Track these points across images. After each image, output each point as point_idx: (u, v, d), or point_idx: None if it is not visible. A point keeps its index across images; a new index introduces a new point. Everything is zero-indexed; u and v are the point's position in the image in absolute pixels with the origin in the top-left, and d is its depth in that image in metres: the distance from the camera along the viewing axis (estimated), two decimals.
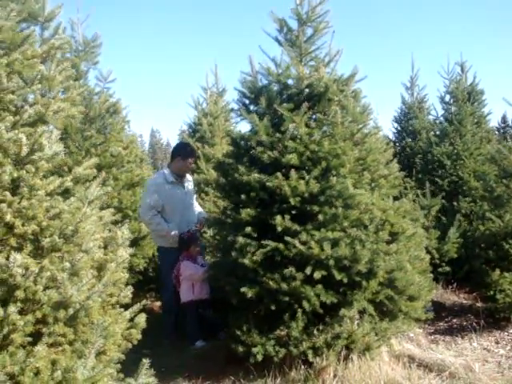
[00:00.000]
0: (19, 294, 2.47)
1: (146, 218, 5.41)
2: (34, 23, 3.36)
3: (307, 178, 4.14)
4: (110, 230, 3.21)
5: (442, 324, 5.84)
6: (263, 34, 4.72)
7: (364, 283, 4.12)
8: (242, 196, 4.25)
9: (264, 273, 4.04)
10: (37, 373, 2.43)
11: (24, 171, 2.69)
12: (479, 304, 5.91)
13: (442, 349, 4.92)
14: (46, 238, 2.67)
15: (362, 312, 4.23)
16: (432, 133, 9.63)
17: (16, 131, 2.70)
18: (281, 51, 4.68)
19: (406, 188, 7.71)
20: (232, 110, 5.15)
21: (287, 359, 4.11)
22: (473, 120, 9.10)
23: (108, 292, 2.93)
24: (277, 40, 4.73)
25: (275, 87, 4.65)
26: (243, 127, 11.16)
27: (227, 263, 4.38)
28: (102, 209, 3.19)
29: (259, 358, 3.96)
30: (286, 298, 4.01)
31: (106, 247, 3.09)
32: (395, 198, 5.05)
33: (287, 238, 3.99)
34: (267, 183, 4.15)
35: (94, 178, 3.20)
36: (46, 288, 2.56)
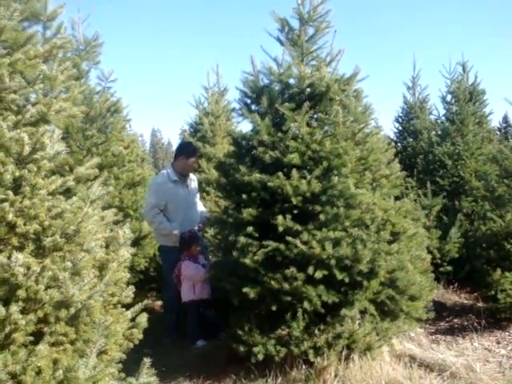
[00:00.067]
0: (21, 293, 2.47)
1: (148, 217, 5.43)
2: (36, 22, 3.36)
3: (309, 177, 4.14)
4: (111, 230, 3.21)
5: (443, 324, 5.84)
6: (265, 34, 4.73)
7: (365, 283, 4.12)
8: (244, 196, 4.25)
9: (265, 273, 4.04)
10: (38, 372, 2.43)
11: (26, 170, 2.69)
12: (480, 304, 5.91)
13: (443, 349, 4.91)
14: (47, 237, 2.67)
15: (363, 312, 4.23)
16: (433, 132, 9.63)
17: (18, 130, 2.71)
18: (282, 51, 4.69)
19: (407, 188, 7.70)
20: (233, 109, 5.15)
21: (288, 359, 4.11)
22: (474, 120, 9.09)
23: (109, 291, 2.93)
24: (278, 40, 4.74)
25: (277, 87, 4.65)
26: (244, 127, 11.17)
27: (228, 263, 4.38)
28: (103, 208, 3.20)
29: (260, 357, 3.97)
30: (288, 298, 4.01)
31: (107, 247, 3.09)
32: (396, 198, 5.05)
33: (289, 238, 3.99)
34: (268, 183, 4.15)
35: (96, 177, 3.21)
36: (47, 287, 2.56)
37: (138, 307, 3.12)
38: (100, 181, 3.12)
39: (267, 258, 4.05)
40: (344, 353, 4.09)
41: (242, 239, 4.10)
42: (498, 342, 5.18)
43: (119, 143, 6.61)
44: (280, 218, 4.05)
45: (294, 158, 4.15)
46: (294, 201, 4.08)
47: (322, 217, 4.10)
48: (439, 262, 6.73)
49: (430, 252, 5.90)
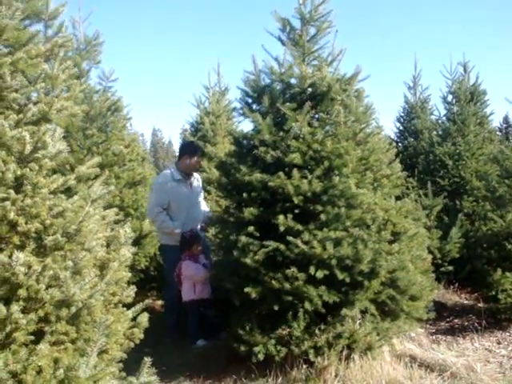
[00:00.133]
0: (22, 292, 2.47)
1: (151, 216, 5.46)
2: (37, 21, 3.35)
3: (310, 177, 4.14)
4: (112, 229, 3.21)
5: (443, 324, 5.84)
6: (266, 34, 4.73)
7: (366, 283, 4.11)
8: (244, 195, 4.25)
9: (266, 272, 4.04)
10: (39, 371, 2.43)
11: (27, 169, 2.69)
12: (481, 304, 5.90)
13: (443, 349, 4.92)
14: (48, 236, 2.67)
15: (363, 312, 4.23)
16: (434, 133, 9.63)
17: (19, 129, 2.70)
18: (284, 50, 4.68)
19: (408, 188, 7.70)
20: (234, 108, 5.15)
21: (289, 358, 4.11)
22: (475, 120, 9.09)
23: (110, 291, 2.93)
24: (280, 39, 4.74)
25: (278, 86, 4.65)
26: (245, 126, 11.17)
27: (229, 262, 4.38)
28: (104, 207, 3.20)
29: (261, 357, 3.97)
30: (289, 298, 4.01)
31: (108, 246, 3.09)
32: (397, 198, 5.05)
33: (289, 238, 3.99)
34: (269, 183, 4.14)
35: (97, 176, 3.21)
36: (48, 286, 2.56)
37: (138, 307, 3.12)
38: (101, 180, 3.12)
39: (268, 257, 4.05)
40: (344, 353, 4.09)
41: (243, 239, 4.10)
42: (499, 343, 5.18)
43: (120, 142, 6.60)
44: (281, 217, 4.05)
45: (296, 157, 4.15)
46: (295, 200, 4.08)
47: (322, 217, 4.10)
48: (440, 262, 6.73)
49: (430, 252, 5.90)
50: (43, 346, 2.46)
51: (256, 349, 3.99)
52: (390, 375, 4.05)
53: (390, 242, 4.35)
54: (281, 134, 4.32)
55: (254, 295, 4.01)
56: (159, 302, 6.54)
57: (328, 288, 4.03)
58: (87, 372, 2.54)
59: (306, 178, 4.15)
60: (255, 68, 4.70)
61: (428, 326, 5.64)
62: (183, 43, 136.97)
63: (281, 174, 4.13)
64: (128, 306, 3.12)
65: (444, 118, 9.65)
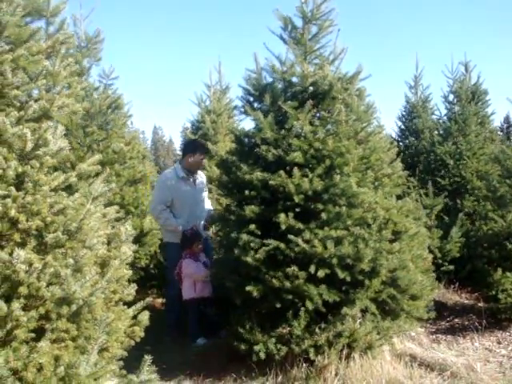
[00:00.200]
0: (22, 290, 2.47)
1: (154, 213, 5.47)
2: (38, 18, 3.35)
3: (311, 176, 4.13)
4: (113, 227, 3.21)
5: (443, 323, 5.83)
6: (267, 32, 4.73)
7: (367, 282, 4.11)
8: (246, 192, 4.24)
9: (267, 271, 4.03)
10: (40, 368, 2.44)
11: (29, 166, 2.69)
12: (481, 304, 5.90)
13: (443, 348, 4.92)
14: (49, 233, 2.67)
15: (364, 311, 4.23)
16: (435, 132, 9.62)
17: (21, 126, 2.70)
18: (285, 49, 4.68)
19: (409, 187, 7.69)
20: (236, 107, 5.15)
21: (289, 357, 4.11)
22: (476, 120, 9.08)
23: (111, 289, 2.93)
24: (281, 38, 4.73)
25: (280, 85, 4.64)
26: (246, 125, 11.15)
27: (230, 261, 4.38)
28: (104, 205, 3.19)
29: (262, 355, 3.96)
30: (290, 297, 4.01)
31: (109, 244, 3.09)
32: (398, 197, 5.04)
33: (290, 237, 3.99)
34: (270, 182, 4.14)
35: (97, 174, 3.20)
36: (49, 284, 2.56)
37: (139, 305, 3.11)
38: (102, 177, 3.12)
39: (269, 256, 4.05)
40: (345, 351, 4.08)
41: (244, 237, 4.09)
42: (499, 342, 5.18)
43: (120, 140, 6.60)
44: (282, 216, 4.05)
45: (297, 156, 4.15)
46: (296, 199, 4.07)
47: (323, 215, 4.10)
48: (440, 261, 6.72)
49: (431, 251, 5.90)
50: (44, 344, 2.46)
51: (256, 347, 3.98)
52: (390, 374, 4.05)
53: (391, 241, 4.35)
54: (282, 132, 4.31)
55: (255, 294, 4.00)
56: (159, 301, 6.54)
57: (328, 287, 4.02)
58: (88, 369, 2.54)
59: (306, 176, 4.14)
60: (257, 66, 4.70)
61: (428, 325, 5.63)
62: (184, 41, 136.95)
63: (282, 172, 4.13)
64: (129, 304, 3.12)
65: (445, 118, 9.64)
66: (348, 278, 4.00)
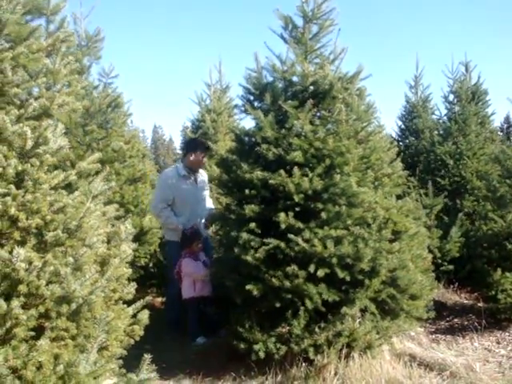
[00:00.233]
0: (22, 288, 2.46)
1: (156, 211, 5.48)
2: (38, 16, 3.34)
3: (311, 175, 4.13)
4: (113, 225, 3.21)
5: (443, 323, 5.84)
6: (268, 32, 4.72)
7: (366, 281, 4.11)
8: (246, 191, 4.24)
9: (266, 270, 4.03)
10: (39, 367, 2.43)
11: (29, 165, 2.68)
12: (481, 304, 5.90)
13: (443, 348, 4.92)
14: (49, 232, 2.66)
15: (363, 310, 4.23)
16: (435, 132, 9.61)
17: (21, 124, 2.70)
18: (286, 48, 4.68)
19: (409, 187, 7.69)
20: (236, 106, 5.15)
21: (288, 356, 4.11)
22: (476, 120, 9.08)
23: (111, 287, 2.92)
24: (282, 37, 4.73)
25: (280, 84, 4.64)
26: (247, 124, 11.15)
27: (229, 260, 4.38)
28: (104, 204, 3.19)
29: (261, 355, 3.97)
30: (289, 296, 4.01)
31: (109, 242, 3.08)
32: (398, 197, 5.04)
33: (290, 236, 3.99)
34: (270, 181, 4.14)
35: (97, 172, 3.20)
36: (49, 282, 2.55)
37: (139, 304, 3.11)
38: (102, 176, 3.11)
39: (269, 255, 4.05)
40: (344, 351, 4.08)
41: (244, 235, 4.09)
42: (498, 342, 5.18)
43: (119, 139, 6.59)
44: (282, 215, 4.05)
45: (297, 155, 4.14)
46: (296, 198, 4.07)
47: (323, 215, 4.10)
48: (440, 261, 6.72)
49: (430, 251, 5.90)
50: (43, 342, 2.45)
51: (256, 346, 3.98)
52: (389, 374, 4.05)
53: (391, 241, 4.35)
54: (282, 131, 4.31)
55: (255, 293, 4.00)
56: (159, 299, 6.54)
57: (328, 286, 4.02)
58: (87, 368, 2.54)
59: (306, 175, 4.14)
60: (257, 65, 4.70)
61: (428, 325, 5.63)
62: (185, 40, 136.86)
63: (282, 171, 4.13)
64: (128, 303, 3.12)
65: (445, 118, 9.64)
66: (348, 278, 4.00)
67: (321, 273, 3.93)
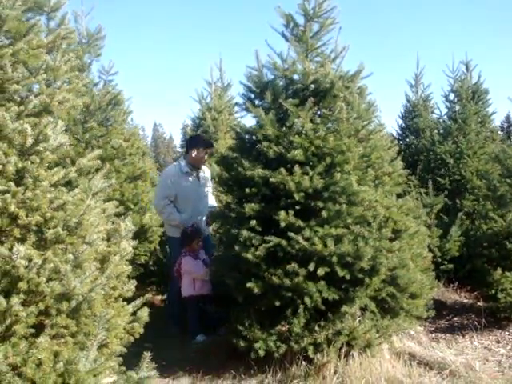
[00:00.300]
0: (22, 285, 2.46)
1: (158, 208, 5.50)
2: (39, 13, 3.33)
3: (311, 173, 4.13)
4: (113, 223, 3.20)
5: (442, 322, 5.83)
6: (268, 30, 4.71)
7: (366, 280, 4.11)
8: (247, 190, 4.24)
9: (267, 268, 4.03)
10: (39, 364, 2.43)
11: (29, 162, 2.68)
12: (480, 303, 5.90)
13: (442, 347, 4.91)
14: (49, 229, 2.66)
15: (363, 309, 4.23)
16: (436, 131, 9.61)
17: (21, 121, 2.69)
18: (287, 46, 4.66)
19: (409, 186, 7.68)
20: (237, 104, 5.14)
21: (288, 355, 4.10)
22: (477, 119, 9.07)
23: (111, 285, 2.92)
24: (283, 35, 4.72)
25: (281, 82, 4.63)
26: (247, 122, 11.14)
27: (230, 258, 4.37)
28: (104, 201, 3.19)
29: (261, 353, 3.96)
30: (289, 294, 4.01)
31: (109, 239, 3.08)
32: (399, 196, 5.04)
33: (290, 234, 3.98)
34: (271, 179, 4.13)
35: (97, 169, 3.20)
36: (49, 280, 2.55)
37: (139, 301, 3.11)
38: (102, 173, 3.11)
39: (269, 253, 4.04)
40: (344, 349, 4.08)
41: (245, 233, 4.09)
42: (498, 341, 5.18)
43: (119, 136, 6.59)
44: (282, 213, 4.04)
45: (298, 153, 4.14)
46: (297, 197, 4.06)
47: (324, 213, 4.09)
48: (440, 260, 6.72)
49: (430, 250, 5.89)
50: (43, 339, 2.46)
51: (256, 345, 3.98)
52: (389, 373, 4.05)
53: (391, 240, 4.34)
54: (283, 129, 4.31)
55: (256, 290, 4.00)
56: (159, 297, 6.54)
57: (328, 285, 4.02)
58: (87, 366, 2.54)
59: (307, 174, 4.14)
60: (258, 63, 4.69)
61: (427, 324, 5.63)
62: (185, 38, 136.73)
63: (282, 170, 4.12)
64: (128, 301, 3.12)
65: (445, 117, 9.63)
66: (348, 276, 4.00)
67: (321, 271, 3.92)
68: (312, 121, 4.38)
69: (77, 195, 2.87)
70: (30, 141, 2.68)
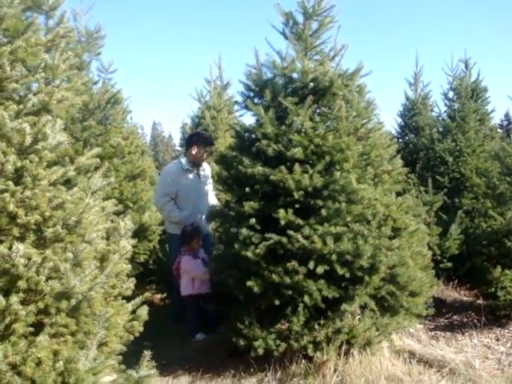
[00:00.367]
0: (21, 284, 2.46)
1: (158, 205, 5.52)
2: (38, 12, 3.33)
3: (311, 172, 4.12)
4: (112, 221, 3.20)
5: (442, 320, 5.84)
6: (267, 28, 4.71)
7: (366, 278, 4.11)
8: (247, 189, 4.24)
9: (267, 266, 4.03)
10: (38, 363, 2.43)
11: (27, 161, 2.67)
12: (480, 301, 5.89)
13: (442, 345, 4.92)
14: (48, 228, 2.66)
15: (363, 307, 4.23)
16: (435, 129, 9.60)
17: (20, 120, 2.69)
18: (286, 45, 4.66)
19: (409, 184, 7.68)
20: (236, 102, 5.14)
21: (288, 353, 4.11)
22: (476, 117, 9.07)
23: (110, 283, 2.92)
24: (283, 33, 4.71)
25: (280, 80, 4.62)
26: (246, 120, 11.12)
27: (229, 256, 4.37)
28: (103, 200, 3.19)
29: (260, 351, 3.96)
30: (289, 292, 4.01)
31: (108, 238, 3.08)
32: (398, 194, 5.03)
33: (290, 232, 3.98)
34: (271, 177, 4.13)
35: (96, 168, 3.19)
36: (48, 278, 2.55)
37: (138, 300, 3.11)
38: (101, 171, 3.11)
39: (269, 251, 4.04)
40: (343, 348, 4.08)
41: (244, 231, 4.09)
42: (498, 339, 5.18)
43: (118, 135, 6.58)
44: (282, 211, 4.04)
45: (297, 152, 4.13)
46: (296, 195, 4.06)
47: (323, 211, 4.09)
48: (439, 258, 6.72)
49: (430, 248, 5.89)
50: (43, 338, 2.45)
51: (255, 343, 3.98)
52: (388, 371, 4.06)
53: (391, 238, 4.34)
54: (282, 128, 4.30)
55: (256, 289, 4.00)
56: (158, 296, 6.54)
57: (328, 283, 4.02)
58: (87, 364, 2.54)
59: (307, 172, 4.13)
60: (257, 62, 4.68)
61: (427, 322, 5.64)
62: (185, 36, 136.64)
63: (282, 168, 4.12)
64: (127, 299, 3.12)
65: (445, 115, 9.62)
66: (347, 275, 4.00)
67: (320, 269, 3.92)
68: (311, 119, 4.38)
69: (76, 194, 2.87)
70: (28, 140, 2.68)
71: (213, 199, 5.69)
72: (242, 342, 4.06)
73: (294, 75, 4.61)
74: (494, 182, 6.38)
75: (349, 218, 4.15)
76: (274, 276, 3.97)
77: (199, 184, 5.53)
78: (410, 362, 4.26)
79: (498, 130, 14.34)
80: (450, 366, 4.22)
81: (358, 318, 4.15)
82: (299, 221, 4.04)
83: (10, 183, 2.59)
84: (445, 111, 9.63)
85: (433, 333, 5.46)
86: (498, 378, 4.17)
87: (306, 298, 3.96)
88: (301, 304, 4.01)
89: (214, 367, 4.30)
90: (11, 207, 2.55)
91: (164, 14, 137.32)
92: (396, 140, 10.34)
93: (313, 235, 3.98)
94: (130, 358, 3.03)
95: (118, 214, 3.61)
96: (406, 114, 11.86)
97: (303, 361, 4.08)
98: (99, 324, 2.65)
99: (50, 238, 2.66)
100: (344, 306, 3.99)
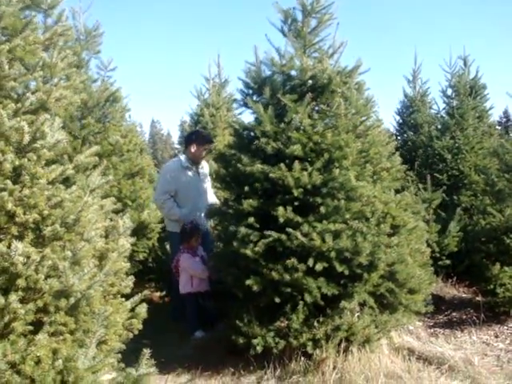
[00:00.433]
0: (20, 282, 2.46)
1: (158, 203, 5.51)
2: (36, 10, 3.32)
3: (310, 169, 4.12)
4: (111, 219, 3.20)
5: (441, 317, 5.84)
6: (266, 26, 4.70)
7: (365, 275, 4.11)
8: (246, 187, 4.23)
9: (266, 264, 4.03)
10: (38, 361, 2.43)
11: (26, 159, 2.67)
12: (479, 298, 5.90)
13: (441, 342, 4.92)
14: (47, 226, 2.65)
15: (362, 304, 4.23)
16: (433, 126, 9.60)
17: (18, 119, 2.68)
18: (285, 42, 4.65)
19: (407, 181, 7.68)
20: (235, 100, 5.13)
21: (287, 351, 4.11)
22: (474, 114, 9.07)
23: (109, 282, 2.92)
24: (281, 30, 4.70)
25: (279, 78, 4.62)
26: (245, 118, 11.11)
27: (228, 254, 4.37)
28: (101, 198, 3.18)
29: (259, 349, 3.96)
30: (288, 290, 4.01)
31: (107, 236, 3.08)
32: (397, 191, 5.04)
33: (289, 230, 3.98)
34: (270, 174, 4.13)
35: (95, 166, 3.19)
36: (47, 277, 2.55)
37: (137, 298, 3.11)
38: (100, 170, 3.11)
39: (268, 249, 4.04)
40: (343, 345, 4.09)
41: (243, 230, 4.09)
42: (497, 336, 5.19)
43: (117, 133, 6.57)
44: (281, 209, 4.04)
45: (296, 149, 4.13)
46: (295, 192, 4.06)
47: (322, 209, 4.09)
48: (438, 255, 6.72)
49: (429, 245, 5.89)
50: (42, 337, 2.45)
51: (254, 341, 3.98)
52: (388, 368, 4.06)
53: (389, 235, 4.34)
54: (281, 125, 4.30)
55: (255, 287, 4.00)
56: (157, 294, 6.54)
57: (327, 280, 4.02)
58: (86, 363, 2.54)
59: (306, 170, 4.13)
60: (256, 59, 4.67)
61: (426, 319, 5.64)
62: (184, 34, 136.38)
63: (282, 165, 4.12)
64: (126, 297, 3.12)
65: (443, 112, 9.62)
66: (346, 272, 4.00)
67: (319, 267, 3.93)
68: (310, 116, 4.38)
69: (74, 192, 2.86)
70: (27, 138, 2.67)
71: (212, 197, 5.69)
72: (241, 340, 4.06)
73: (293, 72, 4.61)
74: (492, 179, 6.38)
75: (348, 216, 4.15)
76: (273, 273, 3.97)
77: (198, 182, 5.54)
78: (410, 359, 4.27)
79: (497, 127, 14.32)
80: (449, 363, 4.23)
81: (357, 315, 4.15)
82: (298, 218, 4.04)
83: (9, 182, 2.59)
84: (443, 108, 9.62)
85: (432, 330, 5.46)
86: (496, 374, 4.18)
87: (306, 296, 3.97)
88: (300, 302, 4.01)
89: (213, 365, 4.30)
90: (10, 206, 2.55)
91: (163, 12, 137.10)
92: (395, 137, 10.35)
93: (312, 232, 3.98)
94: (129, 356, 3.03)
95: (116, 212, 3.62)
96: (405, 111, 11.86)
97: (302, 358, 4.09)
98: (98, 322, 2.65)
99: (49, 237, 2.66)
100: (343, 304, 3.99)
